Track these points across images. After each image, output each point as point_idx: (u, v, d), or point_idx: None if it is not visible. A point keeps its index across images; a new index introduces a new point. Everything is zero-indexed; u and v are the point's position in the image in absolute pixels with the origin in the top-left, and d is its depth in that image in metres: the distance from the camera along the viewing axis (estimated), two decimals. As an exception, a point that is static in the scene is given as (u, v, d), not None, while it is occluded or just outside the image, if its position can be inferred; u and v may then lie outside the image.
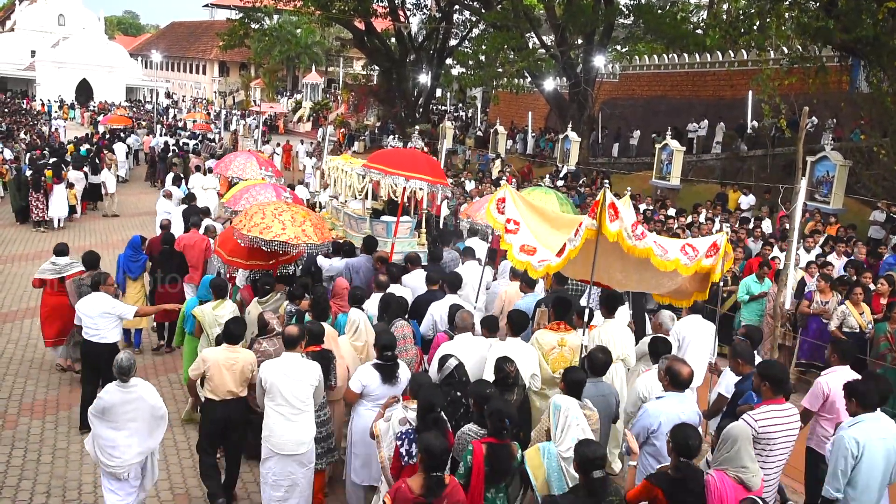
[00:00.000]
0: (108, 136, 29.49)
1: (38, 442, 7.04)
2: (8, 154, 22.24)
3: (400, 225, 9.42)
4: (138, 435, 5.12)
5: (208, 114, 45.70)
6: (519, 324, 6.00)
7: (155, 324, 9.84)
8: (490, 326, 6.15)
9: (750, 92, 21.47)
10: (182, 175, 18.36)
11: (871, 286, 9.12)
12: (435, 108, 43.61)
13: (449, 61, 36.59)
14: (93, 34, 55.72)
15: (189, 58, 67.55)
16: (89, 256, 8.29)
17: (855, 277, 9.35)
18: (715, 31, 20.43)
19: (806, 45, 17.65)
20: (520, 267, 6.23)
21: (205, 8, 71.14)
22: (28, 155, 21.43)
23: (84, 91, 54.47)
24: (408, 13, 36.39)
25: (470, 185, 18.23)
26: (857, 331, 8.41)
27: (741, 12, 21.63)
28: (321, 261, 8.81)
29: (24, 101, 51.08)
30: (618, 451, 6.42)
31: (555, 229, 6.34)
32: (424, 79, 35.89)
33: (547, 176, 20.51)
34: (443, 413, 4.80)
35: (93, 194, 19.46)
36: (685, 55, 27.13)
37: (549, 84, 26.98)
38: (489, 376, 5.36)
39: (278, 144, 28.66)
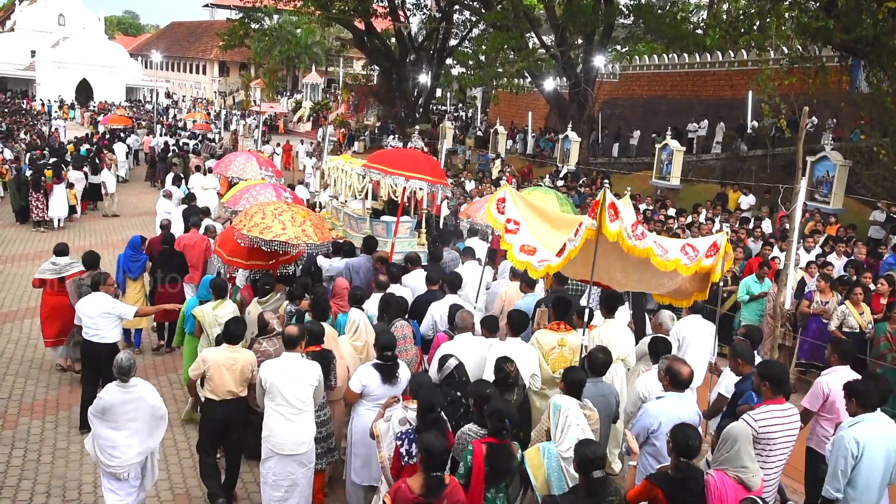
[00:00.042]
0: (108, 136, 29.50)
1: (38, 442, 7.04)
2: (8, 154, 22.24)
3: (400, 225, 9.42)
4: (138, 435, 5.12)
5: (208, 114, 45.70)
6: (519, 324, 6.00)
7: (155, 324, 9.84)
8: (490, 326, 6.15)
9: (750, 92, 21.47)
10: (182, 175, 18.36)
11: (871, 286, 9.12)
12: (435, 108, 43.61)
13: (449, 61, 36.59)
14: (93, 34, 55.72)
15: (189, 58, 67.55)
16: (89, 256, 8.29)
17: (855, 277, 9.35)
18: (715, 31, 20.43)
19: (806, 45, 17.65)
20: (520, 267, 6.23)
21: (205, 8, 71.17)
22: (28, 155, 21.43)
23: (84, 91, 54.47)
24: (408, 13, 36.39)
25: (470, 185, 18.23)
26: (857, 331, 8.41)
27: (741, 12, 21.62)
28: (321, 261, 8.81)
29: (24, 101, 51.08)
30: (618, 451, 6.42)
31: (555, 229, 6.33)
32: (424, 79, 35.89)
33: (547, 176, 20.51)
34: (443, 413, 4.80)
35: (93, 194, 19.46)
36: (685, 55, 27.13)
37: (549, 84, 26.98)
38: (489, 376, 5.36)
39: (278, 144, 28.67)
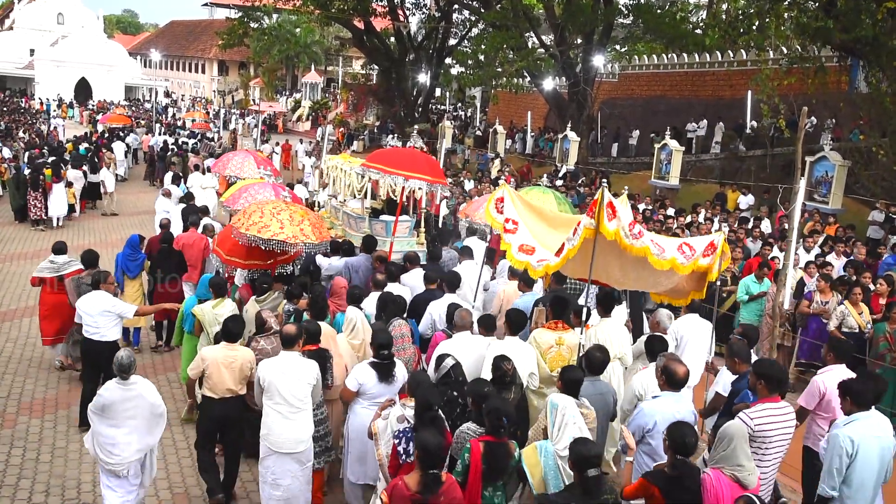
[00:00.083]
0: (107, 134, 29.49)
1: (38, 441, 7.04)
2: (7, 153, 22.23)
3: (399, 224, 9.42)
4: (137, 432, 5.14)
5: (207, 113, 45.66)
6: (517, 323, 6.01)
7: (153, 322, 9.83)
8: (487, 325, 6.16)
9: (749, 92, 21.48)
10: (181, 174, 18.35)
11: (871, 286, 9.13)
12: (434, 107, 43.60)
13: (448, 61, 36.58)
14: (92, 33, 55.70)
15: (188, 57, 67.50)
16: (88, 255, 8.29)
17: (854, 277, 9.36)
18: (714, 30, 20.43)
19: (805, 45, 17.64)
20: (519, 266, 6.24)
21: (204, 7, 71.10)
22: (27, 154, 21.41)
23: (83, 90, 54.43)
24: (407, 12, 36.37)
25: (469, 185, 18.23)
26: (857, 331, 8.42)
27: (740, 12, 21.60)
28: (320, 260, 8.81)
29: (23, 99, 51.03)
30: (615, 449, 6.43)
31: (553, 228, 6.34)
32: (424, 78, 35.88)
33: (545, 175, 20.50)
34: (444, 410, 4.81)
35: (92, 193, 19.47)
36: (684, 55, 27.14)
37: (549, 84, 26.98)
38: (487, 375, 5.36)
39: (277, 144, 28.67)
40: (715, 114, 24.36)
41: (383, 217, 9.82)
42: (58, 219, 17.03)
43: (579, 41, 26.18)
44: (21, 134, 28.91)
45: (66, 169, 17.94)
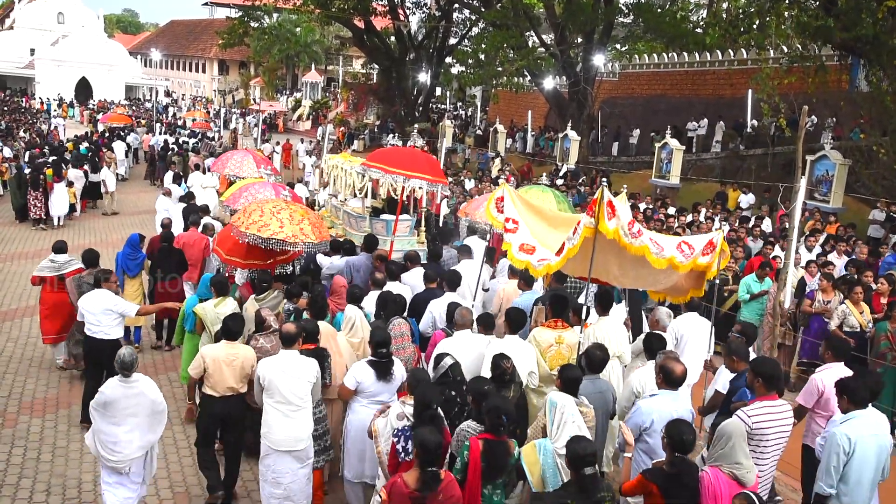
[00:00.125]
0: (107, 134, 29.50)
1: (38, 440, 7.05)
2: (7, 152, 22.24)
3: (399, 223, 9.42)
4: (139, 429, 5.15)
5: (208, 112, 45.67)
6: (517, 321, 6.02)
7: (154, 322, 9.82)
8: (486, 324, 6.16)
9: (750, 91, 21.45)
10: (181, 173, 18.35)
11: (873, 285, 9.12)
12: (434, 106, 43.60)
13: (448, 60, 36.56)
14: (92, 32, 55.72)
15: (188, 56, 67.51)
16: (89, 255, 8.30)
17: (856, 276, 9.36)
18: (714, 29, 20.45)
19: (805, 43, 17.64)
20: (519, 266, 6.24)
21: (204, 6, 71.11)
22: (27, 153, 21.42)
23: (83, 89, 54.45)
24: (407, 12, 36.37)
25: (469, 184, 18.23)
26: (858, 330, 8.42)
27: (741, 11, 21.63)
28: (321, 259, 8.81)
29: (24, 99, 51.04)
30: (615, 448, 6.44)
31: (553, 228, 6.35)
32: (424, 77, 35.88)
33: (544, 175, 20.50)
34: (442, 409, 4.82)
35: (92, 192, 19.48)
36: (685, 54, 27.13)
37: (549, 83, 26.97)
38: (487, 373, 5.37)
39: (278, 143, 28.67)
40: (715, 113, 24.35)
41: (384, 216, 9.83)
42: (58, 218, 17.04)
43: (580, 40, 26.18)
44: (21, 133, 28.92)
45: (67, 168, 17.96)
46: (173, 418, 7.28)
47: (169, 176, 17.43)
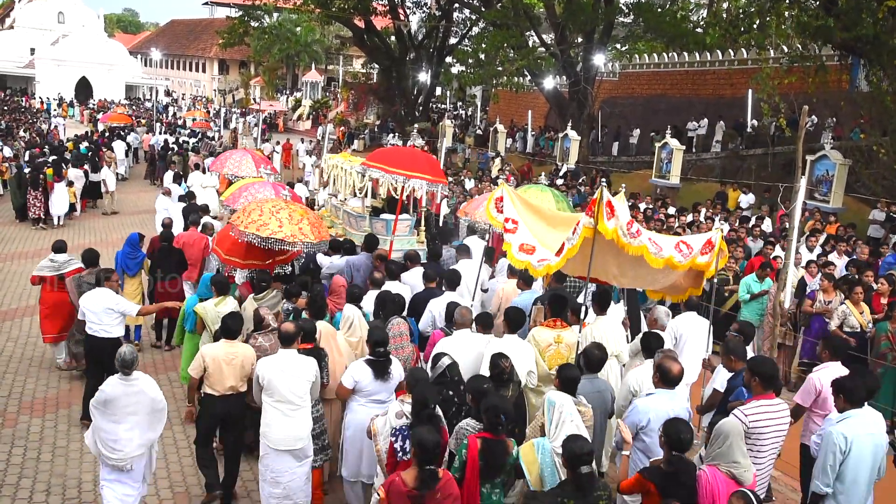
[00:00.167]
0: (107, 134, 29.51)
1: (38, 440, 7.05)
2: (7, 152, 22.24)
3: (399, 223, 9.43)
4: (139, 427, 5.16)
5: (208, 112, 45.68)
6: (515, 321, 6.02)
7: (154, 321, 9.82)
8: (485, 323, 6.17)
9: (750, 91, 21.45)
10: (181, 173, 18.36)
11: (874, 285, 9.12)
12: (435, 106, 43.61)
13: (449, 59, 36.58)
14: (92, 32, 55.74)
15: (189, 56, 67.51)
16: (88, 254, 8.31)
17: (856, 276, 9.35)
18: (715, 29, 20.42)
19: (806, 43, 17.64)
20: (519, 266, 6.24)
21: (204, 6, 71.00)
22: (27, 153, 21.43)
23: (83, 89, 54.46)
24: (408, 11, 36.37)
25: (469, 184, 18.23)
26: (858, 330, 8.42)
27: (741, 11, 21.62)
28: (321, 259, 8.81)
29: (24, 98, 51.04)
30: (612, 447, 6.44)
31: (552, 227, 6.36)
32: (424, 77, 35.88)
33: (543, 174, 20.51)
34: (440, 408, 4.83)
35: (92, 192, 19.48)
36: (685, 54, 27.13)
37: (549, 82, 26.98)
38: (486, 373, 5.37)
39: (278, 143, 28.67)
40: (715, 112, 24.35)
41: (384, 216, 9.83)
42: (58, 217, 17.05)
43: (580, 40, 26.19)
44: (22, 133, 28.92)
45: (67, 168, 17.96)
46: (173, 418, 7.29)
47: (169, 175, 17.43)
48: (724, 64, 25.58)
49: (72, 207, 17.74)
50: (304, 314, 6.54)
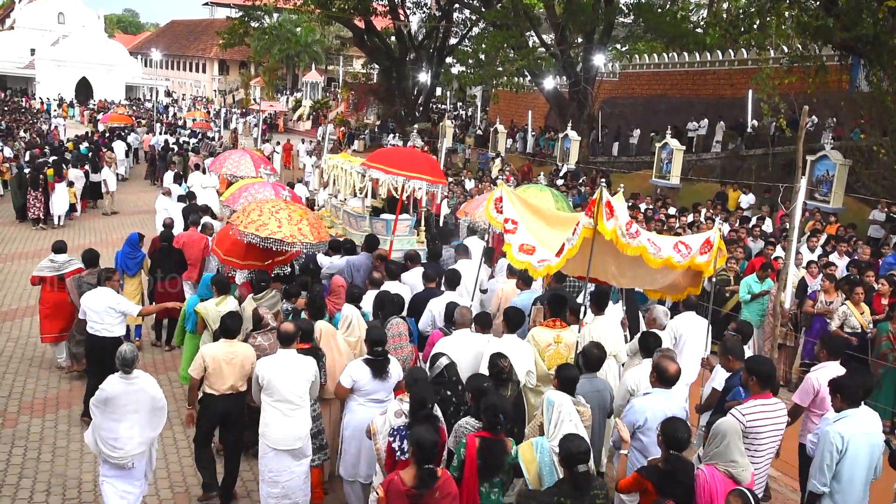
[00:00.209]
0: (107, 134, 29.52)
1: (38, 440, 7.06)
2: (8, 152, 22.24)
3: (399, 223, 9.43)
4: (139, 425, 5.17)
5: (208, 112, 45.69)
6: (514, 321, 6.03)
7: (154, 321, 9.81)
8: (483, 323, 6.17)
9: (750, 91, 21.46)
10: (181, 173, 18.36)
11: (875, 285, 9.12)
12: (435, 106, 43.62)
13: (449, 60, 36.58)
14: (92, 32, 55.74)
15: (189, 56, 67.54)
16: (88, 254, 8.32)
17: (857, 277, 9.35)
18: (715, 29, 20.41)
19: (806, 43, 17.64)
20: (520, 266, 6.24)
21: (204, 6, 71.13)
22: (28, 153, 21.43)
23: (84, 89, 54.47)
24: (408, 12, 36.38)
25: (470, 184, 18.23)
26: (859, 331, 8.42)
27: (741, 11, 21.62)
28: (321, 259, 8.81)
29: (24, 99, 51.05)
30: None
31: (551, 227, 6.36)
32: (424, 77, 35.89)
33: (541, 174, 20.51)
34: (438, 408, 4.83)
35: (92, 192, 19.48)
36: (685, 54, 27.13)
37: (549, 83, 26.98)
38: (485, 372, 5.38)
39: (278, 143, 28.67)
40: (716, 113, 24.35)
41: (384, 216, 9.83)
42: (59, 218, 17.06)
43: (580, 40, 26.18)
44: (22, 133, 28.92)
45: (68, 168, 17.96)
46: (173, 418, 7.29)
47: (169, 176, 17.43)
48: (724, 64, 25.58)
49: (72, 207, 17.75)
50: (304, 314, 6.54)
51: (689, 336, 6.91)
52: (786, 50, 21.00)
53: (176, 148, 24.76)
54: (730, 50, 25.27)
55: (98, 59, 54.78)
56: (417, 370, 5.32)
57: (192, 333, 7.45)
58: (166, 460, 6.70)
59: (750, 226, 13.43)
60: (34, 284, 8.72)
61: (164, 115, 42.89)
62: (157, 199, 14.96)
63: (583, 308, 6.22)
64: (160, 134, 29.16)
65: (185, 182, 17.01)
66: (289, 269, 8.57)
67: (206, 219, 11.13)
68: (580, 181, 20.13)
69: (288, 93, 55.03)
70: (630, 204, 15.14)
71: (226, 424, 5.95)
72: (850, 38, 14.61)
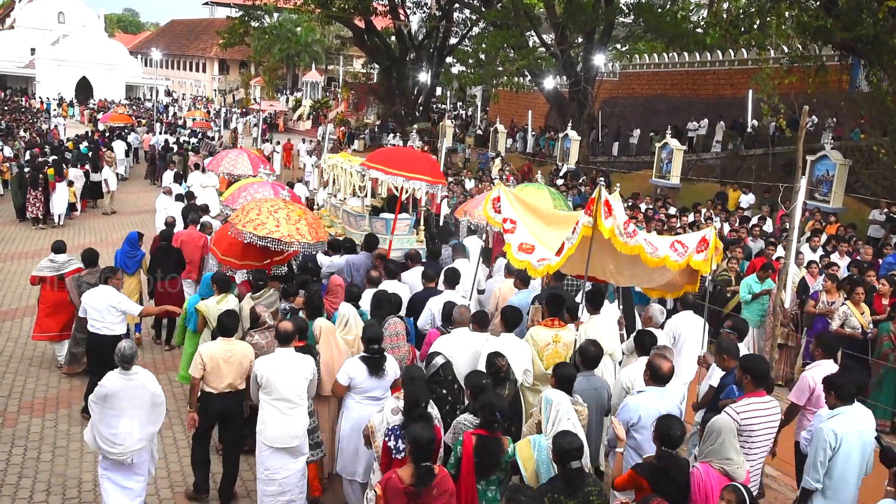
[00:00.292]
0: (107, 134, 29.52)
1: (38, 440, 7.06)
2: (8, 152, 22.24)
3: (398, 222, 9.43)
4: (139, 421, 5.19)
5: (208, 112, 45.68)
6: (512, 320, 6.03)
7: (154, 320, 9.81)
8: (480, 322, 6.18)
9: (750, 91, 21.45)
10: (181, 173, 18.36)
11: (877, 285, 9.11)
12: (435, 106, 43.61)
13: (449, 60, 36.59)
14: (92, 32, 55.76)
15: (189, 56, 67.55)
16: (88, 254, 8.32)
17: (858, 276, 9.34)
18: (715, 29, 20.42)
19: (806, 43, 17.64)
20: (519, 266, 6.25)
21: (205, 6, 71.03)
22: (28, 153, 21.43)
23: (84, 89, 54.48)
24: (408, 11, 36.38)
25: (470, 184, 18.23)
26: (860, 331, 8.42)
27: (741, 11, 21.63)
28: (321, 258, 8.81)
29: (24, 98, 51.04)
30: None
31: (550, 226, 6.37)
32: (424, 77, 35.90)
33: (539, 174, 20.48)
34: (435, 406, 4.83)
35: (92, 192, 19.49)
36: (685, 54, 27.13)
37: (549, 83, 26.98)
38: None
39: (278, 143, 28.67)
40: (716, 113, 24.35)
41: (383, 215, 9.83)
42: (59, 217, 17.07)
43: (580, 40, 26.19)
44: (22, 133, 28.92)
45: (68, 168, 17.96)
46: (173, 418, 7.29)
47: (169, 175, 17.44)
48: (724, 64, 25.58)
49: (72, 207, 17.75)
50: (301, 313, 6.54)
51: (687, 335, 6.93)
52: (786, 50, 21.00)
53: (176, 147, 24.75)
54: (730, 50, 25.27)
55: (98, 58, 54.79)
56: (414, 368, 5.33)
57: (193, 332, 7.44)
58: (166, 460, 6.70)
59: (750, 226, 13.43)
60: (34, 284, 8.73)
61: (164, 115, 42.88)
62: (157, 199, 14.97)
63: (580, 307, 6.22)
64: (160, 133, 29.16)
65: (185, 182, 17.02)
66: (285, 269, 8.56)
67: (205, 218, 11.13)
68: (580, 181, 20.12)
69: (288, 92, 55.05)
70: (630, 204, 15.15)
71: (224, 423, 5.96)
72: (850, 38, 14.61)
